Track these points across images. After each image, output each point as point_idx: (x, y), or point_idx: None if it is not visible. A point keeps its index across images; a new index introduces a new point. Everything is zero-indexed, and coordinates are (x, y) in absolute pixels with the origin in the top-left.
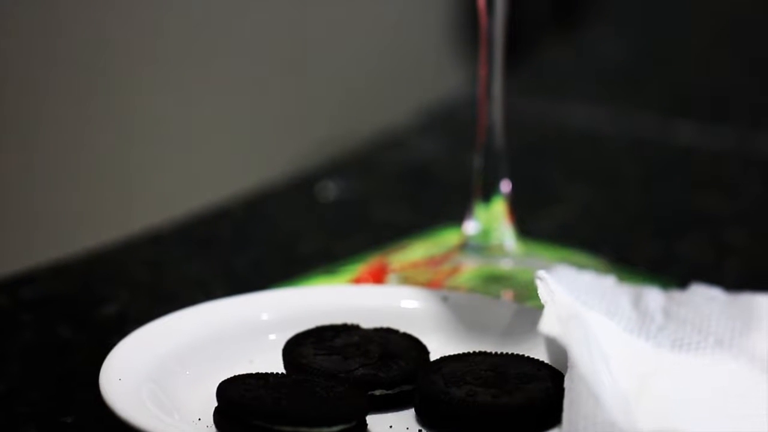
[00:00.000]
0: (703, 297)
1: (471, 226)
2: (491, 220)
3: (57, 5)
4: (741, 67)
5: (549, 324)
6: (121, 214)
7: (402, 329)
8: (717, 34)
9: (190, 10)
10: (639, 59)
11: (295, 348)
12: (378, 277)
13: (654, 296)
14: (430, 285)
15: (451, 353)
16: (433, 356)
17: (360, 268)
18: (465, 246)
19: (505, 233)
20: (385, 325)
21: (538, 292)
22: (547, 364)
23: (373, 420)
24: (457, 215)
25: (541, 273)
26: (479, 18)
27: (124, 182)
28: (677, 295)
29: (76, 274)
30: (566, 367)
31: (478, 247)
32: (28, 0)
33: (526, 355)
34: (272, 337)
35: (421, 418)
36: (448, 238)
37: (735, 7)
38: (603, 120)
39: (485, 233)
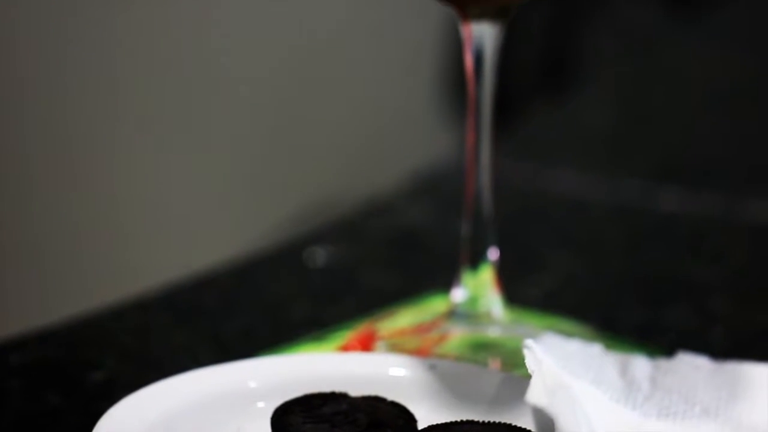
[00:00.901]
0: (690, 366)
1: (459, 294)
2: (479, 288)
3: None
4: (727, 133)
5: (536, 394)
6: (108, 280)
7: (390, 397)
8: (702, 100)
9: (178, 72)
10: (625, 125)
11: (283, 416)
12: (366, 344)
13: (641, 365)
14: (418, 353)
15: (439, 422)
16: (421, 425)
17: (348, 335)
18: (453, 313)
19: (493, 301)
20: (373, 393)
21: (526, 361)
22: None
23: None
24: (444, 282)
25: (529, 342)
26: (467, 85)
27: (111, 249)
28: (664, 363)
29: (64, 340)
30: None
31: (466, 314)
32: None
33: (513, 424)
34: (260, 404)
35: None
36: (436, 305)
37: (720, 74)
38: (589, 186)
39: (473, 301)
